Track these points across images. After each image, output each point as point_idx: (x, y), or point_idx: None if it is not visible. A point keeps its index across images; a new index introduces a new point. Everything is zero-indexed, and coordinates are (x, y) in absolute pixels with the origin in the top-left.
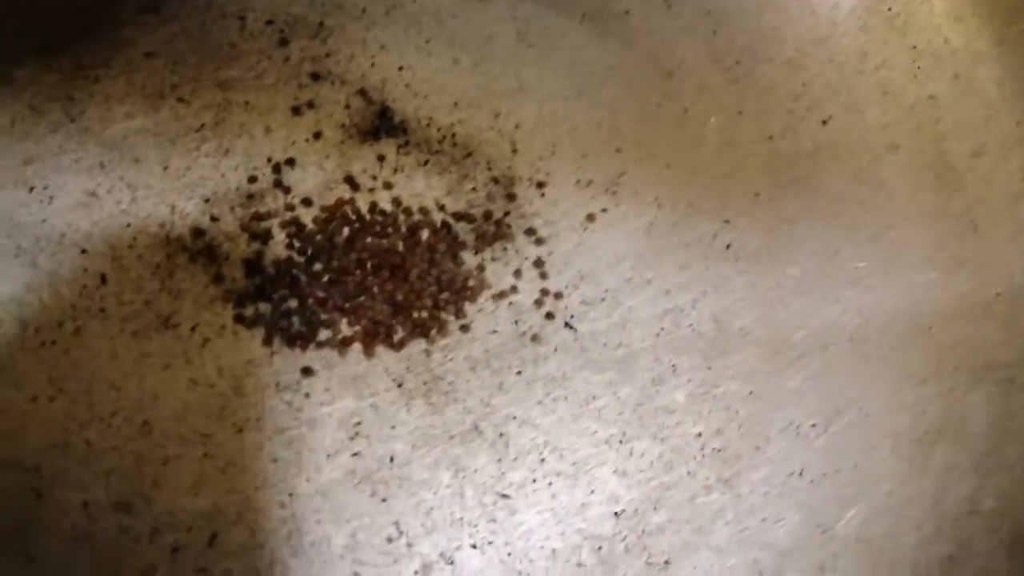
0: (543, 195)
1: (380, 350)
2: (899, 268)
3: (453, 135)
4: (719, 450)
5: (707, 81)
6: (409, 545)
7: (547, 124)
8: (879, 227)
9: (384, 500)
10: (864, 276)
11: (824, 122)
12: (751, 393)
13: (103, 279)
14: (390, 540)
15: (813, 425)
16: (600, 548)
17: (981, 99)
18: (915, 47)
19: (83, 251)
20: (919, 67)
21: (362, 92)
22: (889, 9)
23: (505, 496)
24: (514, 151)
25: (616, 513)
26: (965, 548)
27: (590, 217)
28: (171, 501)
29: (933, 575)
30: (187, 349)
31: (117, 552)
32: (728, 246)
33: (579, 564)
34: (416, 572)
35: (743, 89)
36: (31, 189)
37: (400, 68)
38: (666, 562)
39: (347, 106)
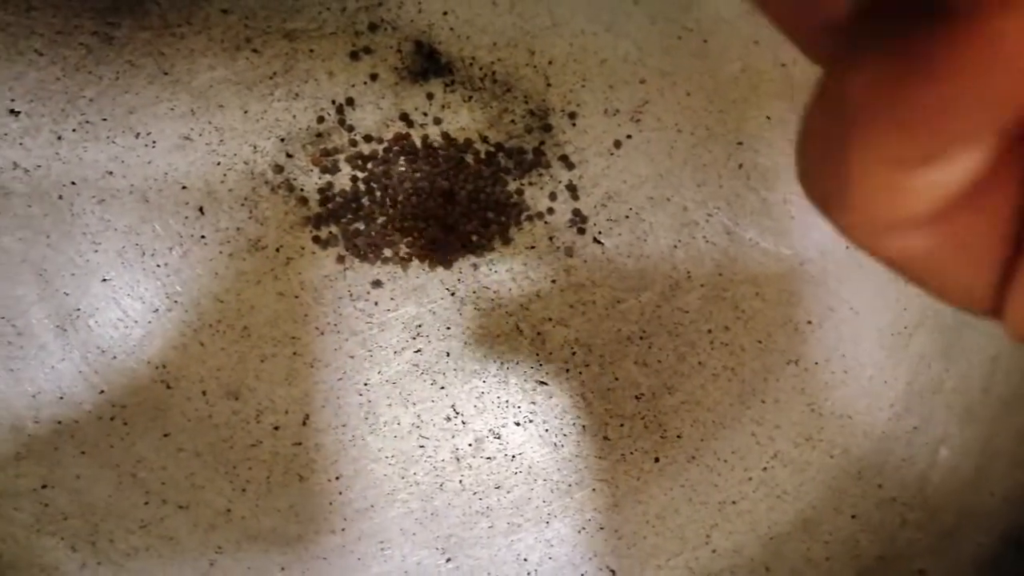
0: (574, 124)
1: (435, 265)
2: None
3: (493, 73)
4: (726, 344)
5: (723, 12)
6: (464, 423)
7: (578, 59)
8: None
9: (443, 388)
10: None
11: None
12: (757, 294)
13: (201, 210)
14: (448, 419)
15: (809, 322)
16: (623, 425)
17: None
18: None
19: (183, 187)
20: None
21: (411, 37)
22: None
23: (543, 383)
24: (548, 85)
25: (636, 396)
26: (927, 421)
27: (616, 144)
28: (270, 390)
29: (900, 443)
30: (274, 267)
31: (231, 430)
32: (740, 165)
33: (605, 438)
34: (470, 444)
35: (759, 20)
36: (137, 135)
37: (444, 13)
38: (678, 436)
39: (399, 50)
